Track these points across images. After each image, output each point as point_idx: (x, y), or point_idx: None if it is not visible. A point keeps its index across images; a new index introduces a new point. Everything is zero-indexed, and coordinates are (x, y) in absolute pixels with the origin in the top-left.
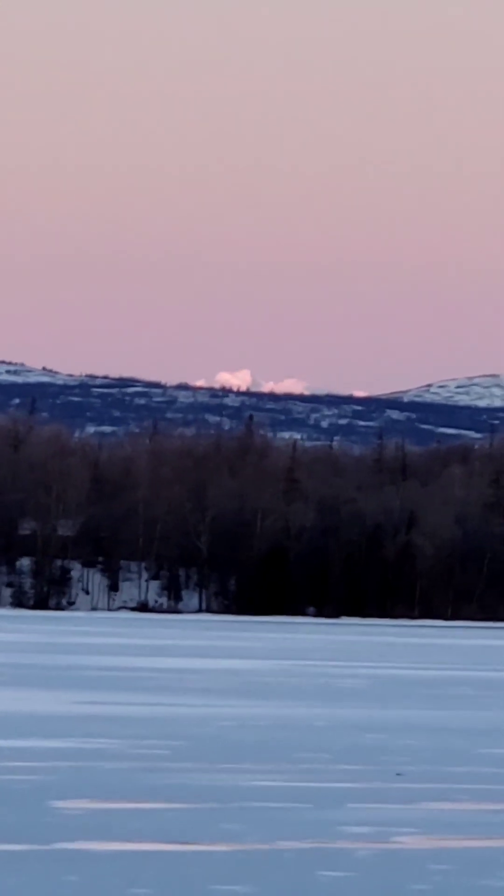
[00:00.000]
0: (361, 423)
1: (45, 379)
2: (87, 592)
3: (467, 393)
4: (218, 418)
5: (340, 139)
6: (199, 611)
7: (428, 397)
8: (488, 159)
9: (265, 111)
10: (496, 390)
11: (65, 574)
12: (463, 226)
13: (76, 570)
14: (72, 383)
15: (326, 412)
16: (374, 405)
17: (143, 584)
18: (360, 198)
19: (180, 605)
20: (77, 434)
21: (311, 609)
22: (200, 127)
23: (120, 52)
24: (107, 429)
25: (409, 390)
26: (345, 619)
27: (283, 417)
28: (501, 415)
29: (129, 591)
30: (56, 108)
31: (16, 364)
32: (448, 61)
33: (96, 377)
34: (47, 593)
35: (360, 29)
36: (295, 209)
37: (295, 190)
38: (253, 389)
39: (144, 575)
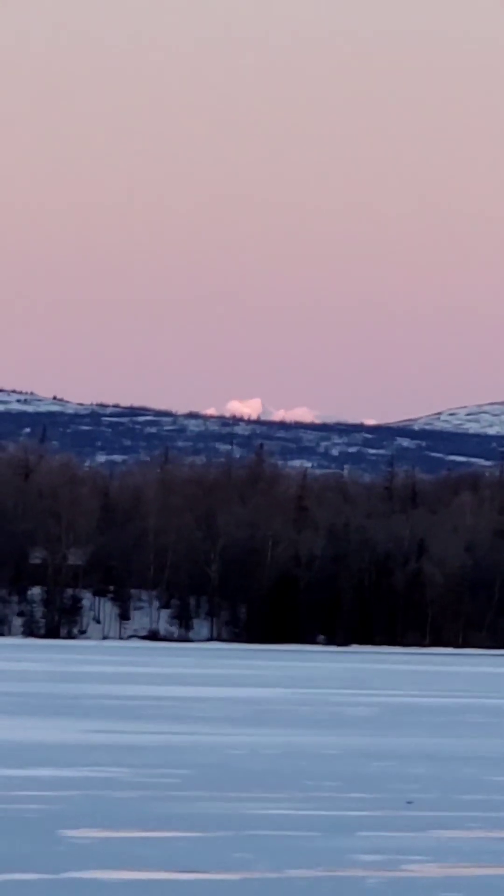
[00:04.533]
0: (371, 451)
1: (56, 408)
2: (98, 621)
3: (477, 420)
4: (228, 447)
5: (352, 170)
6: (210, 639)
7: (438, 425)
8: (496, 182)
9: (283, 143)
10: None
11: (75, 603)
12: (472, 253)
13: (87, 598)
14: (82, 412)
15: (336, 440)
16: (384, 433)
17: (154, 612)
18: (370, 227)
19: (191, 634)
20: (87, 463)
21: (322, 637)
22: (213, 158)
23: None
24: (117, 457)
25: (419, 418)
26: (355, 647)
27: (293, 446)
28: None
29: (140, 619)
30: (62, 138)
31: (26, 393)
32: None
33: (106, 406)
34: (58, 622)
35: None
36: (305, 239)
37: (305, 220)
38: (263, 418)
39: (155, 603)
